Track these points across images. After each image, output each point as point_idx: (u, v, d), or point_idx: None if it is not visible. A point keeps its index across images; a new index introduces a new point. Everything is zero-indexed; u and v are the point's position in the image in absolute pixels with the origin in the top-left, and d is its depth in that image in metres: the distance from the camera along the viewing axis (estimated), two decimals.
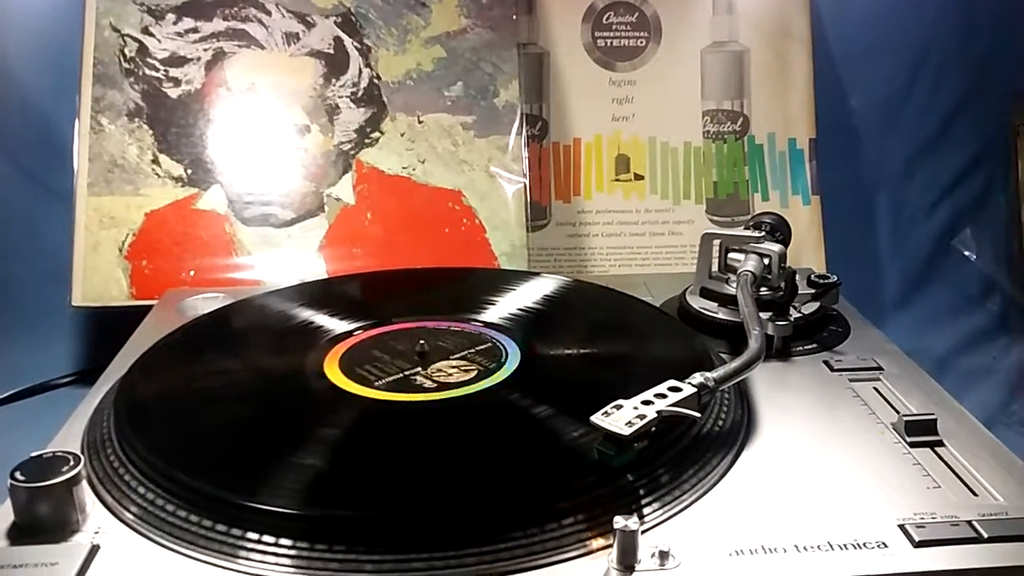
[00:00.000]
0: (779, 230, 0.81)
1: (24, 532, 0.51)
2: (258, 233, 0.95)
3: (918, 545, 0.50)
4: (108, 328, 0.87)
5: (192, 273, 0.93)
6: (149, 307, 0.86)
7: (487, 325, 0.74)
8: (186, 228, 0.95)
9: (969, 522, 0.51)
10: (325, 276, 0.94)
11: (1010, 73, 1.12)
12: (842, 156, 1.11)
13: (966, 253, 1.12)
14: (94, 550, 0.50)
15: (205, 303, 0.84)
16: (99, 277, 0.93)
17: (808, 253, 1.04)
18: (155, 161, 0.96)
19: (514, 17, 1.03)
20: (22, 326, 1.01)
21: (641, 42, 1.07)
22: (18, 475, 0.51)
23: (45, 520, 0.51)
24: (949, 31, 1.12)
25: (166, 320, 0.80)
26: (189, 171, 0.96)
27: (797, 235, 0.89)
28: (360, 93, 1.00)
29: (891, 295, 1.11)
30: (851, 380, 0.69)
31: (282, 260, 0.95)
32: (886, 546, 0.50)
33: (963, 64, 1.12)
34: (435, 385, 0.64)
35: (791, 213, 1.02)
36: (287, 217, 0.96)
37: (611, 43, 1.07)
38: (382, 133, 0.99)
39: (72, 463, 0.52)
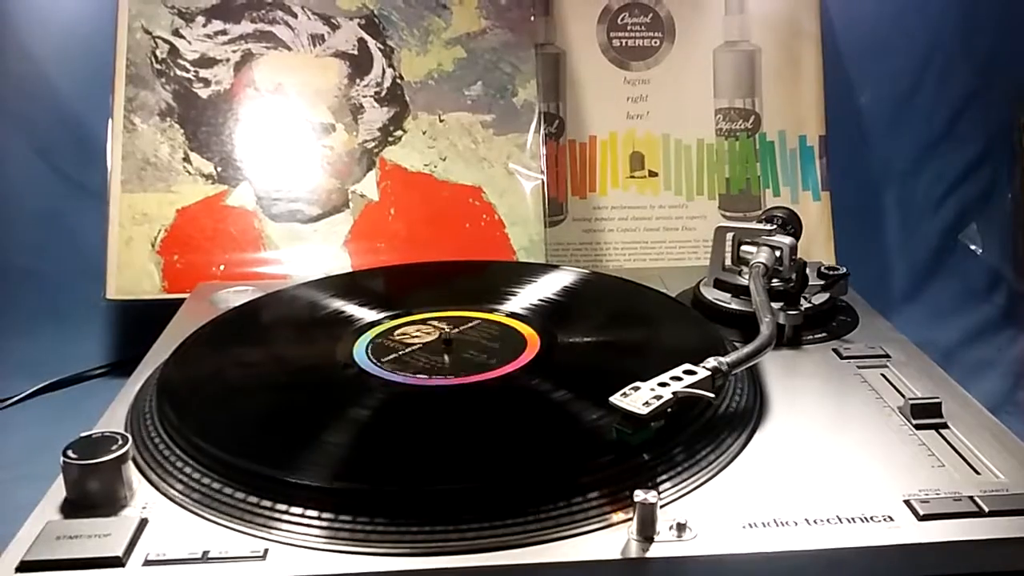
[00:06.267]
0: (790, 224, 0.83)
1: (76, 507, 0.54)
2: (285, 228, 0.98)
3: (923, 519, 0.52)
4: (140, 321, 0.90)
5: (222, 267, 0.96)
6: (180, 300, 0.88)
7: (510, 315, 0.76)
8: (216, 224, 0.97)
9: (971, 497, 0.54)
10: (350, 270, 0.96)
11: (1015, 71, 1.14)
12: (851, 153, 1.13)
13: (972, 247, 1.13)
14: (143, 523, 0.52)
15: (236, 296, 0.86)
16: (132, 271, 0.95)
17: (818, 248, 1.06)
18: (186, 159, 0.99)
19: (532, 18, 1.06)
20: (56, 319, 1.04)
21: (655, 42, 1.09)
22: (70, 453, 0.54)
23: (95, 495, 0.54)
24: (955, 30, 1.14)
25: (198, 312, 0.82)
26: (219, 169, 0.99)
27: (807, 230, 0.91)
28: (383, 93, 1.03)
29: (899, 288, 1.12)
30: (859, 367, 0.71)
31: (309, 255, 0.97)
32: (892, 519, 0.52)
33: (969, 62, 1.14)
34: (461, 370, 0.67)
35: (801, 209, 1.03)
36: (313, 213, 0.99)
37: (626, 43, 1.09)
38: (405, 131, 1.02)
39: (120, 442, 0.55)
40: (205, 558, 0.50)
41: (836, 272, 0.80)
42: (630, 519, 0.51)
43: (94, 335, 1.03)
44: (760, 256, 0.77)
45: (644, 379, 0.57)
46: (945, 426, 0.62)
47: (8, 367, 0.98)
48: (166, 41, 1.01)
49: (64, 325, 1.03)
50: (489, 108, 1.03)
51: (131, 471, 0.56)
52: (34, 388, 0.95)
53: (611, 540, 0.51)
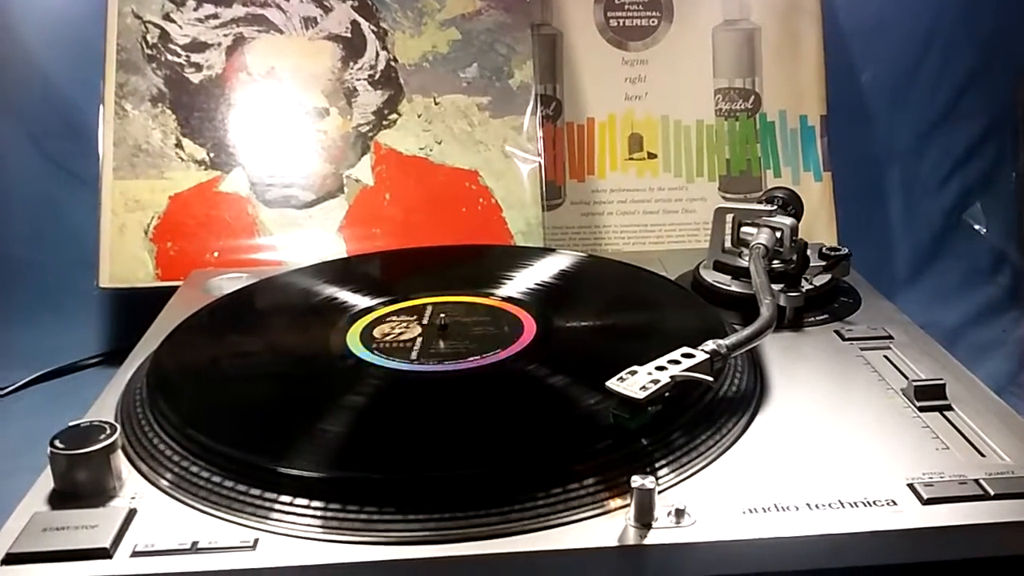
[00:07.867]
0: (791, 204, 0.82)
1: (64, 498, 0.53)
2: (280, 214, 0.97)
3: (927, 502, 0.51)
4: (134, 309, 0.89)
5: (216, 254, 0.95)
6: (174, 288, 0.88)
7: (506, 299, 0.75)
8: (209, 210, 0.96)
9: (976, 480, 0.53)
10: (346, 255, 0.95)
11: (1018, 49, 1.12)
12: (853, 132, 1.11)
13: (976, 227, 1.13)
14: (131, 513, 0.52)
15: (229, 283, 0.86)
16: (125, 259, 0.95)
17: (820, 229, 1.04)
18: (178, 145, 0.98)
19: None
20: (49, 309, 1.03)
21: (653, 21, 1.08)
22: (57, 443, 0.53)
23: (84, 486, 0.53)
24: (957, 7, 1.13)
25: (192, 300, 0.82)
26: (212, 154, 0.98)
27: (809, 211, 0.90)
28: (377, 76, 1.01)
29: (902, 269, 1.11)
30: (862, 348, 0.70)
31: (303, 241, 0.96)
32: (895, 503, 0.51)
33: (971, 40, 1.13)
34: (457, 356, 0.66)
35: (803, 189, 1.02)
36: (308, 199, 0.98)
37: (623, 23, 1.08)
38: (399, 115, 1.01)
39: (109, 431, 0.54)
40: (194, 549, 0.49)
41: (838, 253, 0.79)
42: (627, 505, 0.50)
43: (88, 324, 1.02)
44: (760, 237, 0.76)
45: (643, 363, 0.56)
46: (949, 408, 0.61)
47: (1, 357, 0.97)
48: (157, 26, 0.99)
49: (58, 314, 1.02)
50: (485, 90, 1.02)
51: (120, 461, 0.55)
52: (28, 378, 0.94)
53: (608, 527, 0.50)
